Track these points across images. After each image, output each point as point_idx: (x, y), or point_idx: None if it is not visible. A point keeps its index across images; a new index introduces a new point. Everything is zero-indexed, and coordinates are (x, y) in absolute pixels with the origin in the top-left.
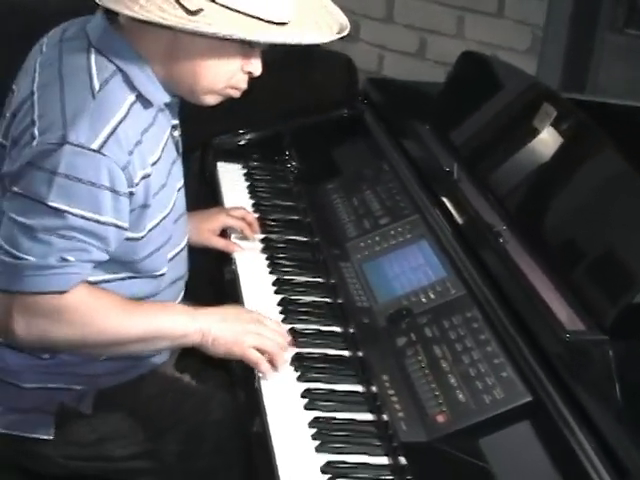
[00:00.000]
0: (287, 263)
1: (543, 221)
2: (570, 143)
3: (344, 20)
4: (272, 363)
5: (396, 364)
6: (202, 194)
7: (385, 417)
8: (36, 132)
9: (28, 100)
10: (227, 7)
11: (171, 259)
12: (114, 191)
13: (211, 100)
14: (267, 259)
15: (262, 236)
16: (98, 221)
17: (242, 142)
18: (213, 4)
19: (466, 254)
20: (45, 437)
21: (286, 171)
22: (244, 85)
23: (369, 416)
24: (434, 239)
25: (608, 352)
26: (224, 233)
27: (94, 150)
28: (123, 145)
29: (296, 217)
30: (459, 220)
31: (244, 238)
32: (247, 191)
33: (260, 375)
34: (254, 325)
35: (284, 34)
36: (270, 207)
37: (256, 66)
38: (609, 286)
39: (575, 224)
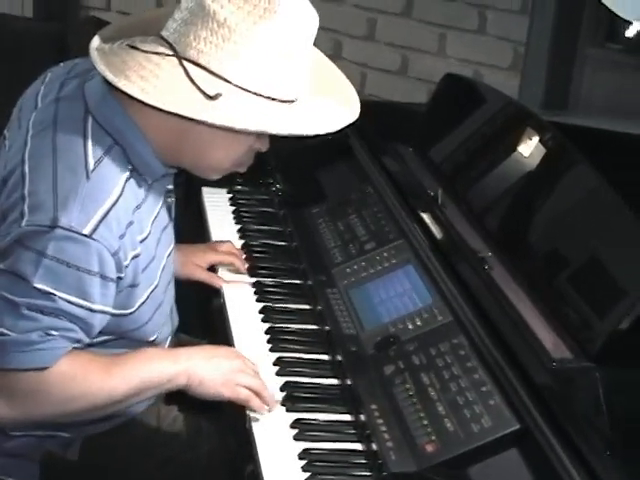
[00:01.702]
0: (274, 290)
1: (528, 247)
2: (554, 167)
3: (353, 95)
4: (262, 400)
5: (384, 393)
6: (187, 219)
7: (374, 447)
8: (26, 210)
9: (18, 168)
10: (243, 89)
11: (163, 323)
12: (103, 277)
13: (216, 176)
14: (253, 286)
15: (248, 264)
16: (85, 307)
17: None
18: (229, 86)
19: (452, 280)
20: None
21: (271, 195)
22: (251, 161)
23: (358, 446)
24: (420, 264)
25: (595, 379)
26: (211, 268)
27: (85, 235)
28: (114, 230)
29: (282, 243)
30: (444, 246)
31: (231, 270)
32: (232, 216)
33: (249, 412)
34: (239, 362)
35: (302, 121)
36: (256, 233)
37: (266, 144)
38: (595, 313)
39: (561, 250)
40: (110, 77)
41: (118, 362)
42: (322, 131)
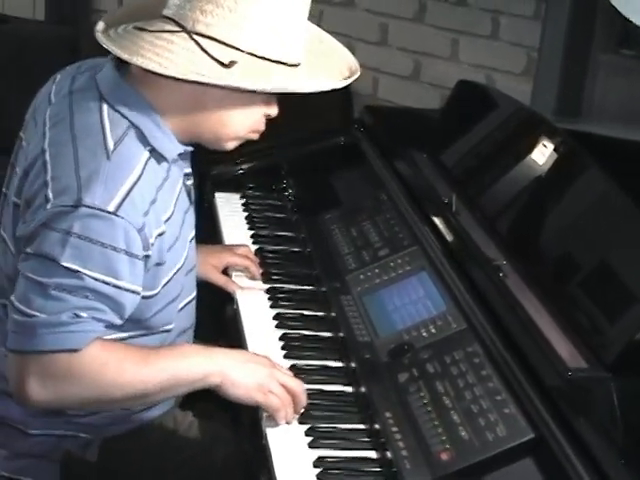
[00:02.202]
0: (287, 296)
1: (542, 254)
2: (566, 173)
3: (354, 63)
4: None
5: (399, 400)
6: (200, 225)
7: (389, 455)
8: (50, 194)
9: (39, 159)
10: (253, 55)
11: (180, 310)
12: (130, 254)
13: (232, 145)
14: (267, 292)
15: (262, 270)
16: (114, 285)
17: (240, 172)
18: (241, 53)
19: (466, 287)
20: None
21: (284, 200)
22: (263, 127)
23: (373, 454)
24: (434, 271)
25: (610, 389)
26: (225, 270)
27: (110, 212)
28: (139, 206)
29: (296, 248)
30: (459, 253)
31: (245, 275)
32: (245, 222)
33: (265, 415)
34: (273, 371)
35: (312, 80)
36: (269, 238)
37: (276, 108)
38: (611, 322)
39: (577, 259)
40: (126, 57)
41: (153, 354)
42: (330, 87)
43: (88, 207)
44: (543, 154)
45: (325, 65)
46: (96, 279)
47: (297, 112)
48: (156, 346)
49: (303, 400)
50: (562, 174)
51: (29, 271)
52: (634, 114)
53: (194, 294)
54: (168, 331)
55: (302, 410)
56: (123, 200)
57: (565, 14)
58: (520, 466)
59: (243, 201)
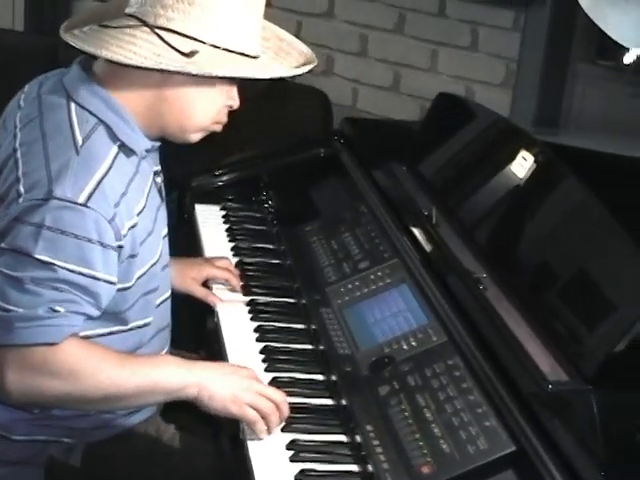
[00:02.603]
0: (268, 309)
1: (523, 266)
2: (546, 184)
3: (312, 57)
4: (267, 424)
5: (380, 414)
6: (180, 235)
7: (370, 468)
8: (22, 189)
9: (11, 158)
10: (215, 46)
11: (158, 306)
12: (103, 244)
13: (197, 137)
14: (248, 305)
15: (242, 282)
16: (88, 275)
17: (220, 183)
18: (202, 45)
19: (446, 300)
20: None
21: (264, 212)
22: (225, 118)
23: (355, 467)
24: (414, 284)
25: (591, 401)
26: (205, 283)
27: (80, 204)
28: (109, 198)
29: (276, 261)
30: (439, 265)
31: (226, 287)
32: (226, 234)
33: (246, 427)
34: (252, 382)
35: (270, 68)
36: (249, 250)
37: (237, 99)
38: (591, 334)
39: (556, 270)
40: (91, 50)
41: (133, 358)
42: (285, 74)
43: (59, 199)
44: (522, 166)
45: (285, 59)
46: (70, 270)
47: (277, 123)
48: (135, 352)
49: (285, 410)
50: (541, 185)
51: (4, 266)
52: (612, 124)
53: (169, 293)
54: (146, 325)
55: (283, 422)
56: (93, 191)
57: (544, 26)
58: (501, 479)
59: (223, 213)
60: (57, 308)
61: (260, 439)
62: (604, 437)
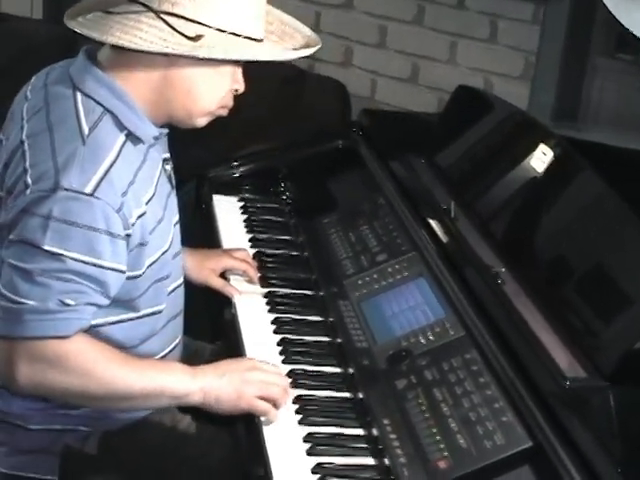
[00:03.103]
0: (285, 301)
1: (541, 261)
2: (566, 180)
3: (310, 32)
4: (277, 407)
5: (397, 407)
6: (197, 226)
7: (387, 462)
8: (29, 180)
9: (19, 149)
10: (221, 30)
11: (169, 293)
12: (111, 234)
13: (204, 122)
14: (265, 297)
15: (260, 273)
16: (96, 265)
17: (238, 174)
18: (208, 29)
19: (464, 294)
20: (49, 478)
21: (282, 204)
22: (231, 103)
23: (371, 461)
24: (432, 277)
25: (608, 398)
26: (223, 274)
27: (87, 194)
28: (116, 187)
29: (294, 252)
30: (457, 259)
31: (244, 278)
32: (243, 225)
33: (263, 419)
34: (253, 373)
35: (274, 51)
36: (267, 242)
37: (242, 83)
38: (610, 332)
39: (575, 266)
40: (96, 36)
41: (141, 361)
42: (290, 57)
43: (66, 190)
44: (541, 160)
45: (289, 42)
46: (79, 260)
47: (295, 114)
48: (147, 340)
49: (288, 389)
50: (559, 179)
51: (13, 258)
52: (630, 118)
53: (182, 279)
54: (158, 313)
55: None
56: (100, 181)
57: (563, 18)
58: (517, 474)
59: (241, 204)
60: (67, 301)
61: (276, 432)
62: (621, 434)
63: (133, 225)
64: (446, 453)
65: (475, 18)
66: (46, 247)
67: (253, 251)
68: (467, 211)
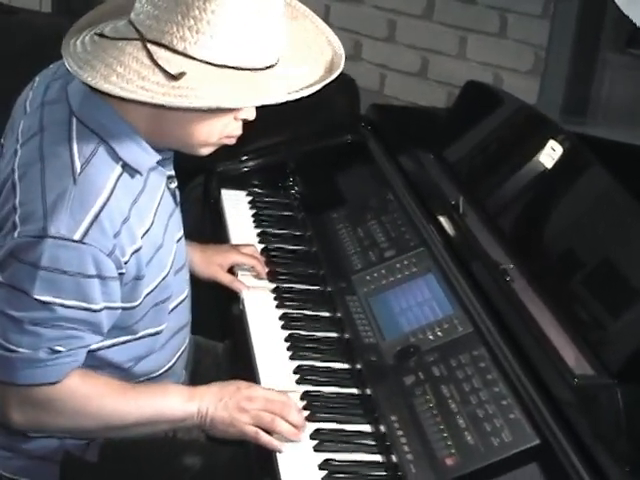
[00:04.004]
0: (293, 297)
1: (550, 258)
2: (576, 176)
3: (340, 49)
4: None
5: (404, 404)
6: (205, 221)
7: (394, 459)
8: (17, 221)
9: (10, 179)
10: (209, 63)
11: (171, 311)
12: (102, 277)
13: (207, 151)
14: (273, 292)
15: (268, 268)
16: (87, 309)
17: (246, 169)
18: (194, 62)
19: (473, 290)
20: None
21: (290, 198)
22: (239, 132)
23: (379, 457)
24: (440, 273)
25: (616, 396)
26: (231, 270)
27: (76, 241)
28: (107, 230)
29: (302, 247)
30: (465, 256)
31: (251, 274)
32: (252, 220)
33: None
34: (251, 403)
35: (273, 90)
36: (276, 237)
37: (250, 112)
38: (618, 329)
39: (584, 263)
40: (74, 70)
41: (135, 389)
42: (292, 97)
43: (54, 237)
44: (550, 156)
45: (304, 59)
46: (69, 307)
47: (303, 108)
48: (145, 358)
49: (288, 412)
50: (569, 175)
51: (3, 303)
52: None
53: (186, 292)
54: (157, 334)
55: (299, 420)
56: (90, 226)
57: (573, 13)
58: (525, 472)
59: (249, 198)
60: (57, 348)
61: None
62: (629, 431)
63: (127, 263)
64: (453, 450)
65: (485, 12)
66: (35, 296)
67: (261, 246)
68: (476, 206)
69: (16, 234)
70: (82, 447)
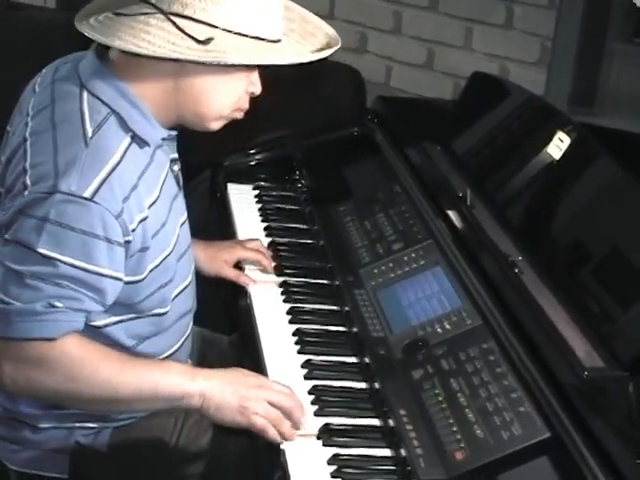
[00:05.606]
0: (301, 290)
1: (559, 250)
2: (584, 167)
3: (332, 32)
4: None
5: (413, 398)
6: (212, 215)
7: (403, 453)
8: (28, 181)
9: (21, 147)
10: (233, 32)
11: (176, 296)
12: (108, 240)
13: (217, 125)
14: (280, 286)
15: (275, 263)
16: (91, 271)
17: (252, 163)
18: (219, 31)
19: (481, 283)
20: (61, 476)
21: (297, 192)
22: (247, 105)
23: (387, 452)
24: (449, 266)
25: (627, 388)
26: (238, 265)
27: (86, 198)
28: (117, 192)
29: (309, 241)
30: (473, 248)
31: (258, 268)
32: (259, 214)
33: None
34: (261, 392)
35: (290, 53)
36: (282, 230)
37: (258, 85)
38: (629, 321)
39: (593, 255)
40: (103, 40)
41: (133, 361)
42: (310, 59)
43: (63, 193)
44: (557, 146)
45: (310, 41)
46: (73, 265)
47: (309, 101)
48: (152, 338)
49: (297, 413)
50: (577, 167)
51: (6, 258)
52: None
53: (190, 279)
54: (162, 314)
55: (304, 424)
56: (100, 186)
57: (580, 3)
58: (535, 465)
59: (256, 192)
60: (56, 303)
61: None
62: None
63: (134, 231)
64: (463, 444)
65: (491, 3)
66: (40, 249)
67: (268, 240)
68: (483, 198)
69: (26, 192)
70: (92, 436)
